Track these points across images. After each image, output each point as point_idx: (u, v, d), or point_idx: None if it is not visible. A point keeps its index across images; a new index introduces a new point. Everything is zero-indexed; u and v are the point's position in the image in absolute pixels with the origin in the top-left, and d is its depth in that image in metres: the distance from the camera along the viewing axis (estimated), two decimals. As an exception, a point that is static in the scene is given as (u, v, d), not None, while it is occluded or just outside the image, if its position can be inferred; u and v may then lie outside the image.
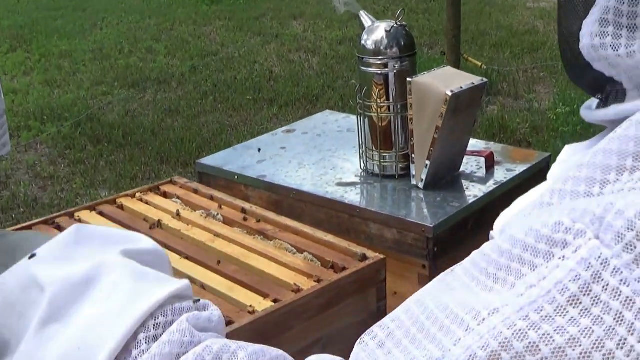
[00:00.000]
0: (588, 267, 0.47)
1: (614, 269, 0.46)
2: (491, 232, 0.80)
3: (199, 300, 0.65)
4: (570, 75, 0.70)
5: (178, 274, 1.37)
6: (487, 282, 0.51)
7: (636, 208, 0.47)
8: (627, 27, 0.59)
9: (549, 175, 0.76)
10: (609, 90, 0.65)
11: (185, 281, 0.66)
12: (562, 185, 0.55)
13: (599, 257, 0.47)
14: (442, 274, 0.56)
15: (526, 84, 5.83)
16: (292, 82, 6.14)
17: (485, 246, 0.54)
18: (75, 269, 0.64)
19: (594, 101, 0.70)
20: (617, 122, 0.62)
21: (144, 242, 0.71)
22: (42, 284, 0.63)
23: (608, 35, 0.60)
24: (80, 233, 0.69)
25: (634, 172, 0.52)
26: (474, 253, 0.55)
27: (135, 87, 6.19)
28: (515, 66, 6.16)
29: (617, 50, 0.59)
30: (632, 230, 0.46)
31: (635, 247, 0.46)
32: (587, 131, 4.52)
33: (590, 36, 0.61)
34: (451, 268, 0.57)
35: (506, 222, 0.78)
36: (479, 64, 5.74)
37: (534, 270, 0.49)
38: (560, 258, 0.48)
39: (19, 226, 1.59)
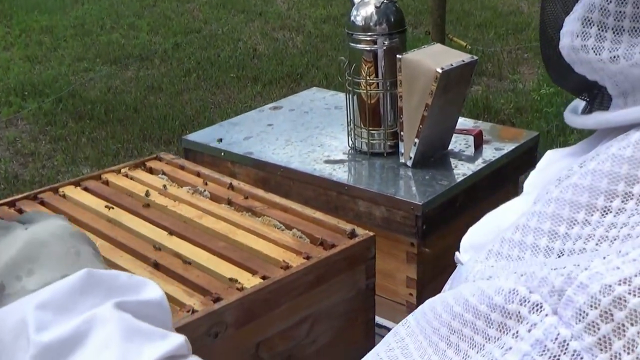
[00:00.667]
0: (544, 351, 0.41)
1: (574, 354, 0.40)
2: (456, 254, 0.74)
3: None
4: (551, 76, 0.63)
5: (165, 250, 1.36)
6: (440, 344, 0.48)
7: (601, 282, 0.41)
8: (612, 28, 0.51)
9: (526, 183, 0.69)
10: (595, 93, 0.59)
11: (180, 339, 0.62)
12: (525, 222, 0.50)
13: (556, 339, 0.41)
14: (397, 326, 0.53)
15: (510, 64, 5.83)
16: (276, 60, 6.10)
17: (437, 301, 0.50)
18: (66, 325, 0.61)
19: (580, 103, 0.63)
20: (605, 129, 0.56)
21: (149, 291, 0.67)
22: (30, 338, 0.60)
23: (590, 36, 0.53)
24: (89, 280, 0.65)
25: (606, 215, 0.45)
26: (427, 304, 0.51)
27: (117, 64, 6.12)
28: (500, 47, 6.16)
29: (599, 54, 0.53)
30: (595, 308, 0.40)
31: (598, 329, 0.40)
32: (571, 112, 4.53)
33: (570, 36, 0.54)
34: (405, 319, 0.53)
35: (471, 243, 0.73)
36: (464, 44, 5.72)
37: (488, 341, 0.44)
38: (514, 335, 0.43)
39: (1, 202, 1.56)
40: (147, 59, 6.23)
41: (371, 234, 1.38)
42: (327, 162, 1.74)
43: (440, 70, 1.58)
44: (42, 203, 1.54)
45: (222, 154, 1.82)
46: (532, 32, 6.47)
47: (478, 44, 6.14)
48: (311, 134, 1.90)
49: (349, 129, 1.81)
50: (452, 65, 1.61)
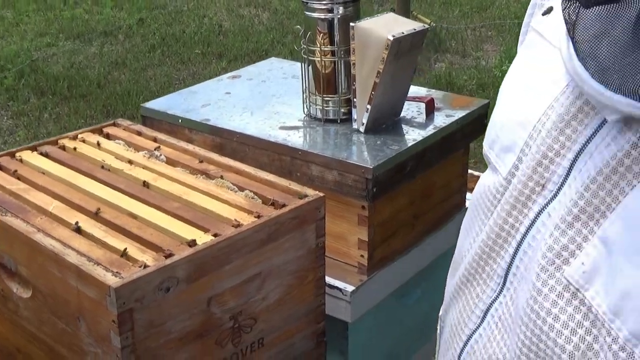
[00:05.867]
0: None
1: None
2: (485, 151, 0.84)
3: None
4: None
5: (120, 211, 1.39)
6: None
7: None
8: None
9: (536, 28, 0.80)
10: None
11: None
12: None
13: None
14: None
15: (474, 42, 5.89)
16: (242, 36, 6.10)
17: None
18: None
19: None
20: None
21: None
22: None
23: None
24: None
25: None
26: None
27: (80, 39, 6.07)
28: (464, 24, 6.21)
29: None
30: None
31: None
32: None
33: None
34: None
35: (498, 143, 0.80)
36: (428, 21, 5.77)
37: None
38: None
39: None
40: (111, 34, 6.19)
41: (321, 194, 1.43)
42: (282, 128, 1.77)
43: (391, 38, 1.62)
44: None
45: (180, 121, 1.85)
46: (496, 10, 6.53)
47: (443, 21, 6.20)
48: (268, 102, 1.93)
49: (304, 97, 1.84)
50: (403, 33, 1.65)
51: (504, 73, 5.23)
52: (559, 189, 0.69)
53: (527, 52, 0.83)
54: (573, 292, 0.65)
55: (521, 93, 0.79)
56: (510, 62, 4.98)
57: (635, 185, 0.62)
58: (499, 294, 0.76)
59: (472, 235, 0.83)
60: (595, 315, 0.62)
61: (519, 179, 0.74)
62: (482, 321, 0.79)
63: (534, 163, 0.72)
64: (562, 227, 0.67)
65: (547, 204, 0.70)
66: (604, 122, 0.66)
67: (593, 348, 0.63)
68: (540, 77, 0.76)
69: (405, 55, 1.69)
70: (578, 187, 0.66)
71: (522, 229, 0.72)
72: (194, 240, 1.27)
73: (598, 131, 0.66)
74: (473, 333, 0.80)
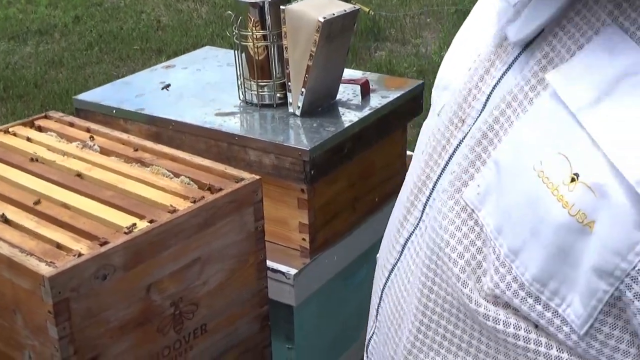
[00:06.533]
0: None
1: None
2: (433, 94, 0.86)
3: None
4: None
5: (52, 201, 1.36)
6: None
7: None
8: None
9: None
10: None
11: None
12: None
13: None
14: None
15: (413, 29, 5.93)
16: (181, 31, 6.04)
17: None
18: None
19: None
20: None
21: None
22: None
23: None
24: None
25: None
26: None
27: (15, 39, 5.94)
28: (403, 12, 6.26)
29: None
30: None
31: None
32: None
33: None
34: None
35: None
36: (367, 9, 5.80)
37: None
38: None
39: None
40: (47, 33, 6.07)
41: (257, 177, 1.43)
42: (218, 114, 1.76)
43: (322, 20, 1.62)
44: None
45: (114, 111, 1.82)
46: (433, -3, 6.58)
47: (381, 9, 6.23)
48: (203, 90, 1.91)
49: (239, 83, 1.83)
50: (334, 14, 1.65)
51: (443, 59, 5.30)
52: (475, 122, 0.71)
53: (478, 4, 0.87)
54: (469, 213, 0.67)
55: (464, 38, 0.83)
56: (448, 47, 5.05)
57: (527, 110, 0.64)
58: (416, 227, 0.78)
59: (409, 177, 0.85)
60: (486, 234, 0.65)
61: (446, 115, 0.75)
62: (400, 255, 0.80)
63: (461, 99, 0.74)
64: (465, 151, 0.70)
65: (464, 138, 0.72)
66: (518, 55, 0.68)
67: (482, 266, 0.66)
68: (481, 23, 0.79)
69: (337, 37, 1.69)
70: (485, 116, 0.69)
71: (442, 163, 0.74)
72: (131, 226, 1.25)
73: (512, 65, 0.69)
74: (394, 267, 0.81)
